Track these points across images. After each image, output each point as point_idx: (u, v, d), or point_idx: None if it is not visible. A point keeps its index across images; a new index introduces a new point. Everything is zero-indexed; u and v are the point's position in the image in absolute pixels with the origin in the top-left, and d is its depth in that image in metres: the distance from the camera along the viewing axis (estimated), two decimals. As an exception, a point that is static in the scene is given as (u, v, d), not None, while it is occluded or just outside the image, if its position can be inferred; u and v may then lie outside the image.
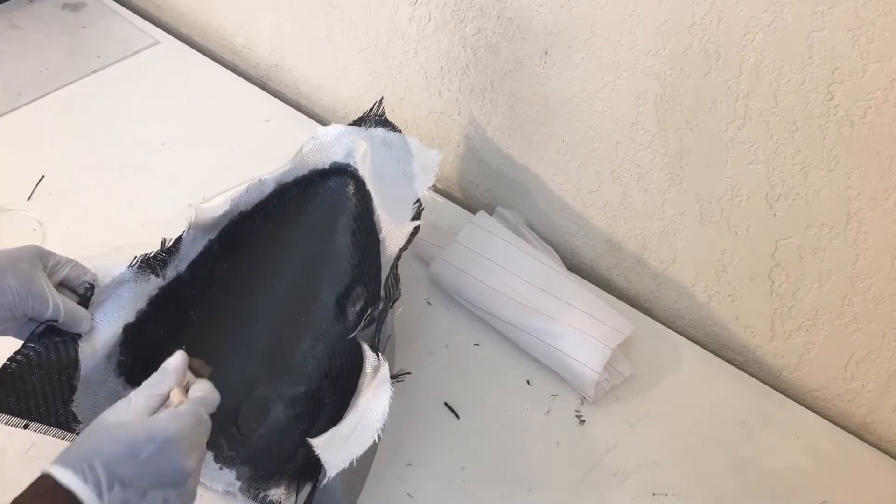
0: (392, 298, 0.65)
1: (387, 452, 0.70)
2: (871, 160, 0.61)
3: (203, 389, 0.53)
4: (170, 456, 0.48)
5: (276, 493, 0.63)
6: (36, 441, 0.67)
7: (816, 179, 0.65)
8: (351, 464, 0.54)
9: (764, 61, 0.62)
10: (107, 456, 0.46)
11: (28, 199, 0.89)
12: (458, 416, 0.73)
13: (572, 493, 0.69)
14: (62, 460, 0.46)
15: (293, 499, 0.62)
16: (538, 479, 0.69)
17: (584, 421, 0.74)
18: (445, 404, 0.74)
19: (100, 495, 0.45)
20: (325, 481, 0.54)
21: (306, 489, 0.62)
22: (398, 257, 0.67)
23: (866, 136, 0.61)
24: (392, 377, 0.59)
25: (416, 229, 0.69)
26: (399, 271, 0.66)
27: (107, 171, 0.94)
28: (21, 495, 0.45)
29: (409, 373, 0.69)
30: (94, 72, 1.08)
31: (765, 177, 0.68)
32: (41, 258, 0.61)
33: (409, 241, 0.68)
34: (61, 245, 0.82)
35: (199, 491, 0.54)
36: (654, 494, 0.69)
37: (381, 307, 0.64)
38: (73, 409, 0.61)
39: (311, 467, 0.59)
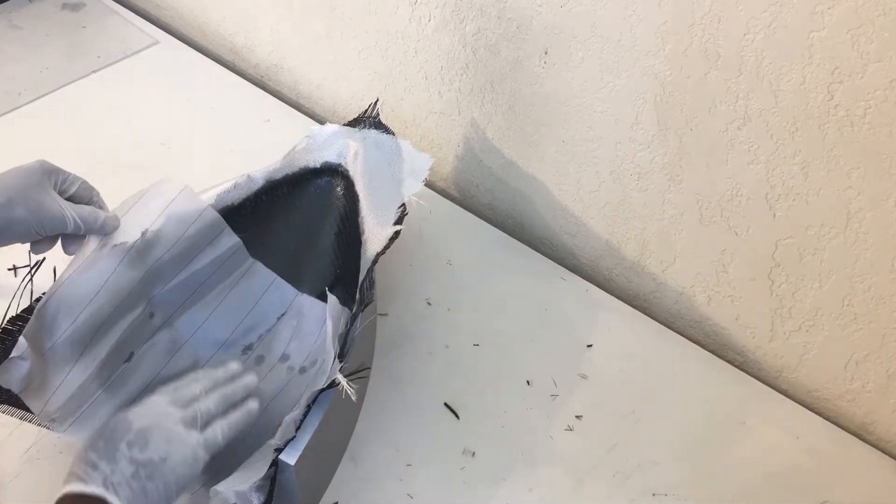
0: (364, 303, 0.64)
1: (387, 452, 0.70)
2: (871, 160, 0.61)
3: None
4: None
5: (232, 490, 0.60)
6: (36, 441, 0.67)
7: (816, 179, 0.65)
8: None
9: (764, 61, 0.63)
10: None
11: (28, 199, 0.89)
12: (457, 417, 0.73)
13: (572, 493, 0.69)
14: None
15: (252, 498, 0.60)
16: (538, 479, 0.69)
17: (584, 421, 0.74)
18: (445, 404, 0.74)
19: None
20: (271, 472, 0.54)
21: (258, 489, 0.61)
22: (375, 261, 0.66)
23: (866, 136, 0.61)
24: (349, 375, 0.58)
25: (397, 234, 0.68)
26: (391, 273, 0.66)
27: (107, 171, 0.94)
28: None
29: (368, 368, 0.68)
30: (94, 72, 1.08)
31: (765, 177, 0.68)
32: (49, 175, 0.60)
33: (387, 246, 0.67)
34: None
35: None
36: (654, 494, 0.69)
37: (353, 311, 0.64)
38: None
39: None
